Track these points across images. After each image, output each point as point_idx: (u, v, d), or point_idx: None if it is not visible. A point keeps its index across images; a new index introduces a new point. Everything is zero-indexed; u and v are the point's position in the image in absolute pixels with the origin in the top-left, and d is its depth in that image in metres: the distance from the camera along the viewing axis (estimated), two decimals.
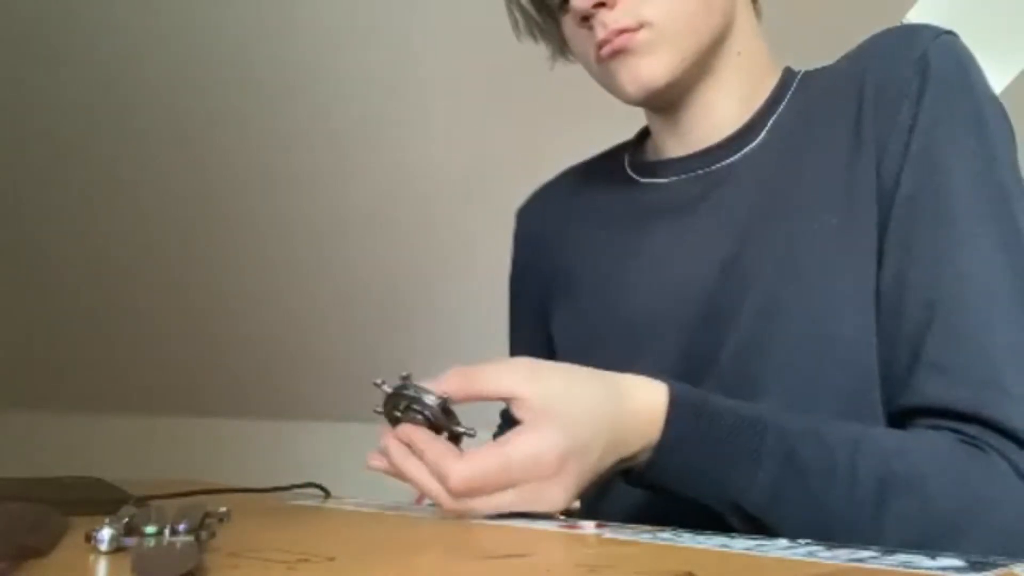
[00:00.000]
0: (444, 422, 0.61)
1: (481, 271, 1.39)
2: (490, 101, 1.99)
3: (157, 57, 1.74)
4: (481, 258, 1.45)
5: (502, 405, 0.62)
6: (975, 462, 0.63)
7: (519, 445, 0.58)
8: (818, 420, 0.65)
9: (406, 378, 0.62)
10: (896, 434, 0.66)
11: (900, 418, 0.68)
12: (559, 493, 0.59)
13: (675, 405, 0.62)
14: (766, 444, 0.62)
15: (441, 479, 0.59)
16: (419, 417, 0.61)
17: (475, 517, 0.59)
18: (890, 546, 0.49)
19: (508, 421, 0.65)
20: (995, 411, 0.63)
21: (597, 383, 0.62)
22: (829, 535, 0.51)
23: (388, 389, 0.62)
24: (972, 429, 0.64)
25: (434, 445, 0.60)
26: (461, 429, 0.62)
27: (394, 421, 0.63)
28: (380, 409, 0.63)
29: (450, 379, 0.61)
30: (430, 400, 0.60)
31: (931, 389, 0.66)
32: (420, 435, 0.61)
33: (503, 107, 1.99)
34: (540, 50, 0.91)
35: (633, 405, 0.62)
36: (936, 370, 0.66)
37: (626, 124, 0.94)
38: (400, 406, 0.62)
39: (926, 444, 0.64)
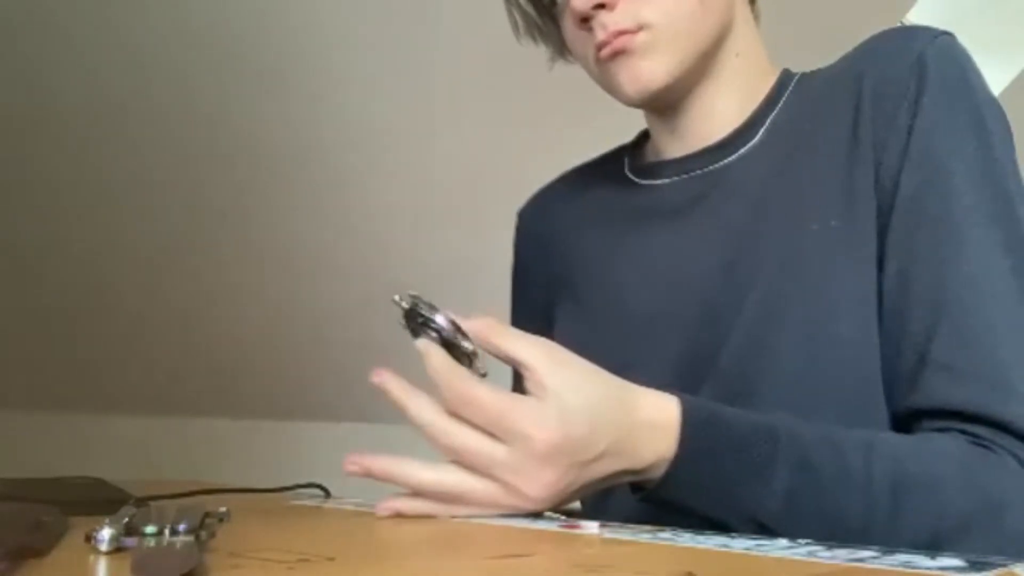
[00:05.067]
0: (456, 340, 0.63)
1: (484, 273, 1.39)
2: (490, 103, 1.99)
3: (148, 59, 1.74)
4: (485, 260, 1.45)
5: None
6: (986, 462, 0.63)
7: (522, 408, 0.58)
8: (828, 426, 0.65)
9: (416, 297, 0.64)
10: (907, 438, 0.66)
11: (906, 420, 0.68)
12: (548, 477, 0.58)
13: (688, 418, 0.61)
14: (780, 452, 0.61)
15: (439, 388, 0.59)
16: (433, 335, 0.63)
17: (462, 453, 0.59)
18: (903, 548, 0.49)
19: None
20: (1004, 411, 0.64)
21: (612, 390, 0.61)
22: (844, 540, 0.51)
23: (405, 305, 0.64)
24: (981, 430, 0.64)
25: (444, 362, 0.61)
26: (470, 347, 0.63)
27: (415, 333, 0.65)
28: (402, 322, 0.66)
29: (477, 322, 0.62)
30: (440, 320, 0.62)
31: (939, 391, 0.66)
32: (436, 355, 0.61)
33: (503, 108, 1.99)
34: (540, 52, 0.91)
35: (645, 417, 0.61)
36: (943, 372, 0.66)
37: (626, 126, 0.94)
38: (417, 322, 0.64)
39: (938, 447, 0.64)
